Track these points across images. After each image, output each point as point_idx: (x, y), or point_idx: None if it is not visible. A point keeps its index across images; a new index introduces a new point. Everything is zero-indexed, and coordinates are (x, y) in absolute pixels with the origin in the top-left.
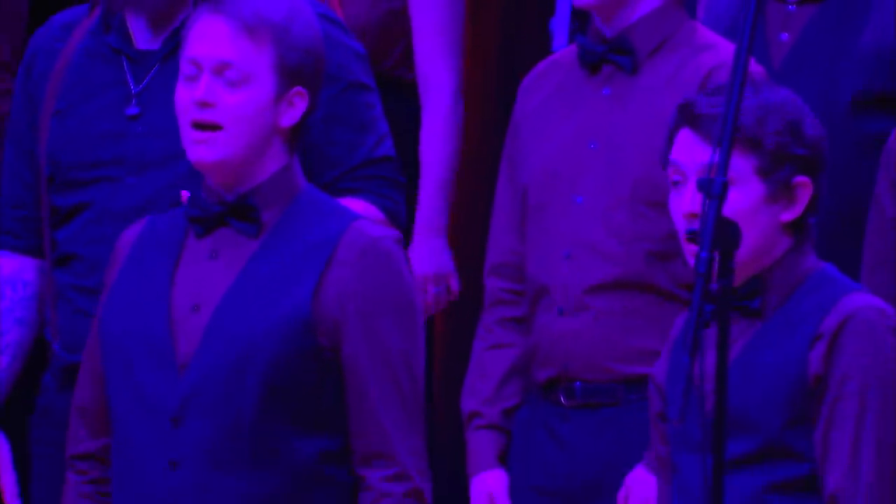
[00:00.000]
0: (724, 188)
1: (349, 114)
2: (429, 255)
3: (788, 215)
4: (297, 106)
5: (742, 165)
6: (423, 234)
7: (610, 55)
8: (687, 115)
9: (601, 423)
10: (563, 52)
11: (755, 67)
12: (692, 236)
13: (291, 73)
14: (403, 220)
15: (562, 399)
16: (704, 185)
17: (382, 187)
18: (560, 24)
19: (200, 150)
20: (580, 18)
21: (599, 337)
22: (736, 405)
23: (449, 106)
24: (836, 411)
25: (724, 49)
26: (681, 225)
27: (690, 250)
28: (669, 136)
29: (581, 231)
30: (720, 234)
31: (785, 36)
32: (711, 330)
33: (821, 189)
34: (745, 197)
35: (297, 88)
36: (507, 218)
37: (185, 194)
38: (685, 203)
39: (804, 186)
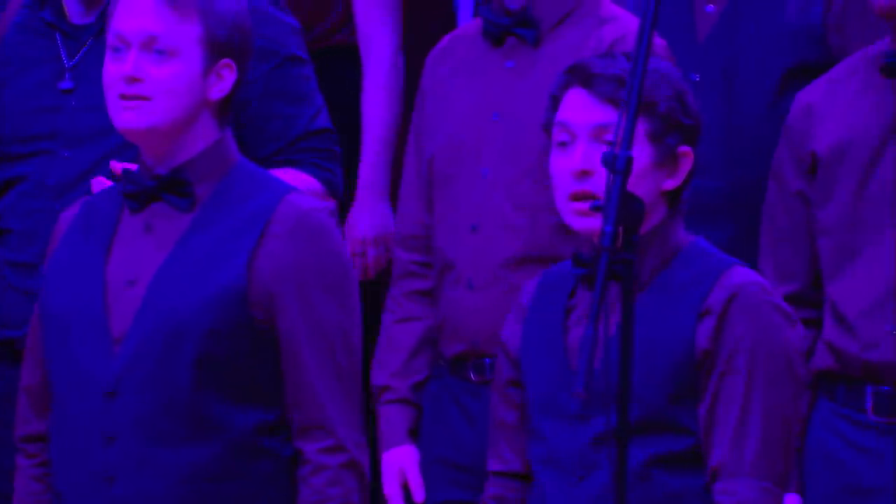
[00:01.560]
0: (629, 163)
1: (286, 87)
2: (370, 218)
3: (670, 183)
4: (225, 78)
5: (636, 128)
6: (364, 196)
7: (513, 28)
8: (579, 75)
9: None
10: (469, 24)
11: (657, 41)
12: (578, 196)
13: (219, 45)
14: (342, 191)
15: (471, 375)
16: (609, 161)
17: (321, 159)
18: None
19: (128, 115)
20: None
21: (507, 311)
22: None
23: (390, 65)
24: (723, 386)
25: (627, 21)
26: (565, 184)
27: (575, 208)
28: (555, 99)
29: (487, 204)
30: (624, 208)
31: (711, 7)
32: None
33: (697, 164)
34: (635, 159)
35: (225, 61)
36: (414, 189)
37: (114, 165)
38: (575, 161)
39: (686, 156)
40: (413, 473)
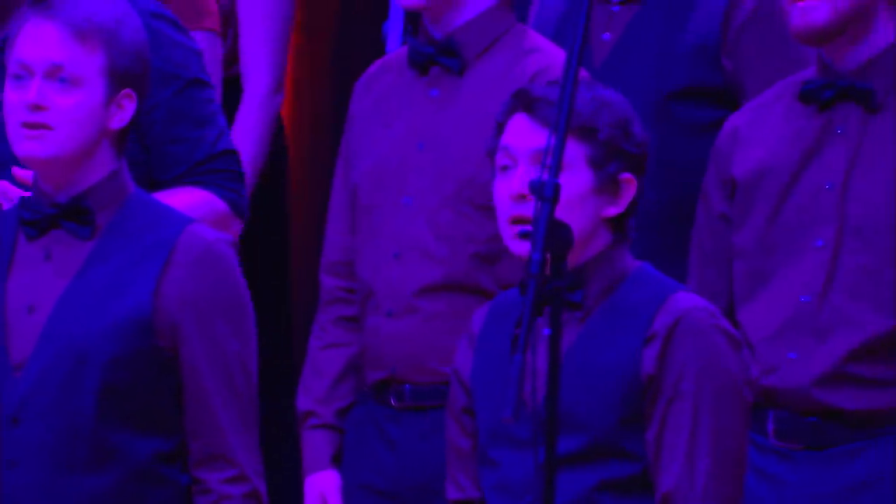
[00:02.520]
0: (557, 190)
1: (190, 110)
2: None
3: (612, 210)
4: (126, 108)
5: (575, 153)
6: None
7: (438, 57)
8: (523, 100)
9: (430, 426)
10: (395, 53)
11: (581, 71)
12: (517, 220)
13: (121, 76)
14: (247, 211)
15: (392, 401)
16: (536, 188)
17: (226, 180)
18: (394, 26)
19: (31, 145)
20: (413, 20)
21: (427, 339)
22: (566, 403)
23: (261, 103)
24: (671, 412)
25: (551, 52)
26: (506, 208)
27: (514, 232)
28: (500, 124)
29: (408, 232)
30: (552, 235)
31: (607, 35)
32: (540, 326)
33: (641, 192)
34: (574, 185)
35: (126, 91)
36: (341, 216)
37: (16, 172)
38: (514, 185)
39: (629, 183)
40: (334, 498)
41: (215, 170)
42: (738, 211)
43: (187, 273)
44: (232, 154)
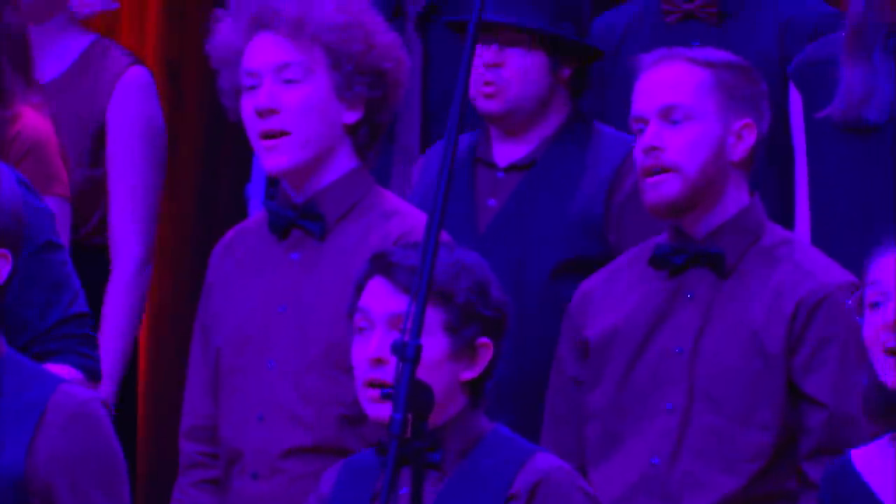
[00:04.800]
0: (418, 351)
1: (43, 273)
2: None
3: (468, 374)
4: (1, 269)
5: (432, 318)
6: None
7: (299, 220)
8: (381, 264)
9: None
10: (254, 217)
11: (443, 236)
12: (373, 383)
13: None
14: (101, 375)
15: None
16: (398, 348)
17: (79, 345)
18: (256, 190)
19: None
20: (273, 184)
21: (293, 500)
22: None
23: (133, 275)
24: None
25: (412, 215)
26: (362, 371)
27: (370, 396)
28: (359, 286)
29: (273, 395)
30: (414, 396)
31: (493, 201)
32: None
33: (500, 354)
34: (429, 350)
35: (2, 251)
36: (200, 381)
37: None
38: (371, 349)
39: (486, 348)
40: None
41: (69, 334)
42: (591, 373)
43: (59, 433)
44: (85, 317)
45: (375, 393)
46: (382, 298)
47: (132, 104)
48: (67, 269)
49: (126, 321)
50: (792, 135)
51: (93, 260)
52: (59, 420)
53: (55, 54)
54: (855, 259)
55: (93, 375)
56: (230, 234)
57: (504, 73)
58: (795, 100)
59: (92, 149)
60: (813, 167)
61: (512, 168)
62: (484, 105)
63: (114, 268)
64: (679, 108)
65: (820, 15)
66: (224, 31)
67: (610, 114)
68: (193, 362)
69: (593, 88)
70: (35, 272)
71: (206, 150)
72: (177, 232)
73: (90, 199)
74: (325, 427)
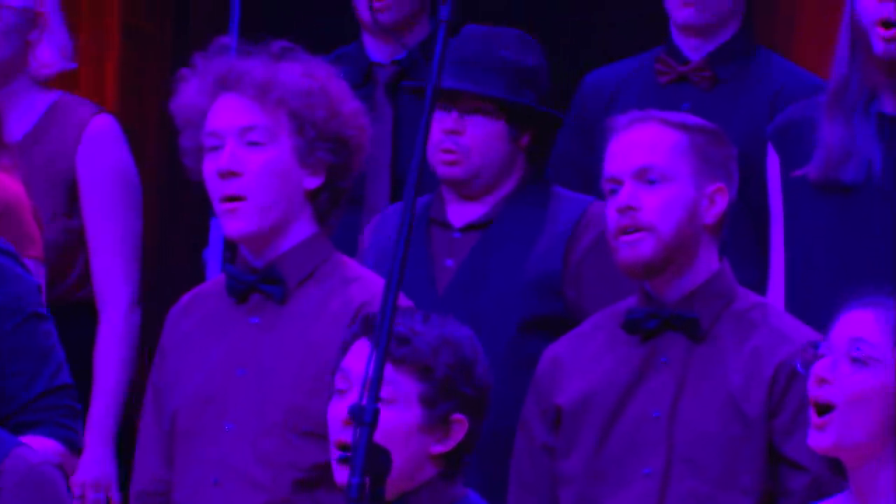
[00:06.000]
0: (376, 416)
1: (29, 345)
2: (92, 462)
3: (439, 448)
4: None
5: (409, 389)
6: (92, 441)
7: (259, 284)
8: (368, 327)
9: None
10: (211, 281)
11: (403, 301)
12: (344, 461)
13: None
14: (82, 447)
15: None
16: (356, 412)
17: (62, 416)
18: (213, 254)
19: None
20: (231, 249)
21: None
22: None
23: (124, 318)
24: None
25: (372, 282)
26: (335, 431)
27: (336, 457)
28: (344, 346)
29: (230, 458)
30: (371, 460)
31: (450, 262)
32: None
33: (479, 431)
34: (402, 420)
35: None
36: (152, 445)
37: None
38: (343, 412)
39: (460, 424)
40: None
41: (52, 406)
42: (565, 439)
43: (11, 497)
44: (69, 388)
45: (343, 455)
46: (365, 361)
47: (100, 151)
48: (52, 340)
49: (120, 366)
50: (769, 196)
51: (76, 315)
52: (11, 484)
53: (21, 113)
54: (830, 318)
55: (73, 448)
56: (186, 297)
57: (463, 141)
58: (773, 162)
59: (66, 200)
60: (789, 225)
61: (468, 228)
62: (445, 171)
63: (102, 314)
64: (655, 168)
65: (810, 86)
66: (188, 90)
67: (599, 169)
68: (144, 425)
69: (583, 143)
70: (22, 344)
71: (163, 214)
72: None
73: (69, 251)
74: (280, 491)
